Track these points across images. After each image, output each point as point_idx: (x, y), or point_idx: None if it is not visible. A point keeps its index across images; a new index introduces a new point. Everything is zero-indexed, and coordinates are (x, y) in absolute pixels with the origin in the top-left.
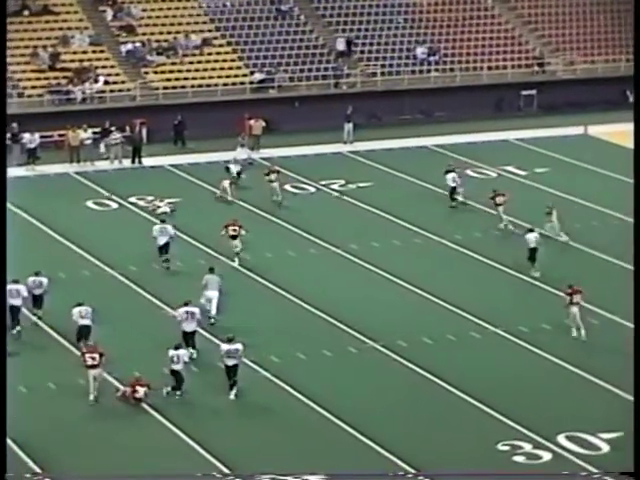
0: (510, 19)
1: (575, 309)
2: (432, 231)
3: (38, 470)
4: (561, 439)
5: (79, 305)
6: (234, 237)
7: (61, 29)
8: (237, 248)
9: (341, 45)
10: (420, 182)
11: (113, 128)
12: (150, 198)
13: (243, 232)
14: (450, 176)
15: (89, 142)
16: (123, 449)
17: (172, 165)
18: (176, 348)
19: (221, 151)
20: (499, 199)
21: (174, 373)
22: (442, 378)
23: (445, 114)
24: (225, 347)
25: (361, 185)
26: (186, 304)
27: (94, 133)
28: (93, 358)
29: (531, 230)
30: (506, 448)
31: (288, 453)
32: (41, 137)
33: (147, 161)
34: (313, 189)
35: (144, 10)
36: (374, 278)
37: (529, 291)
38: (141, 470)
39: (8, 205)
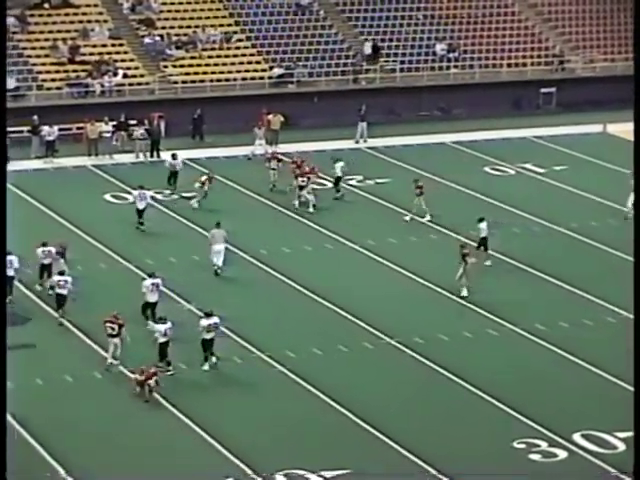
0: (530, 16)
1: (467, 267)
2: (449, 227)
3: (53, 463)
4: (577, 437)
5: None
6: None
7: (81, 22)
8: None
9: (368, 49)
10: (438, 179)
11: (134, 122)
12: (168, 192)
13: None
14: (339, 165)
15: (108, 135)
16: (140, 443)
17: (190, 159)
18: (163, 321)
19: (239, 145)
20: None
21: (164, 345)
22: (458, 375)
23: (464, 111)
24: (204, 322)
25: (379, 181)
26: (150, 276)
27: (113, 126)
28: (112, 328)
29: (482, 220)
30: (522, 446)
31: (303, 449)
32: (60, 130)
33: (165, 155)
34: (331, 185)
35: (164, 4)
36: (390, 274)
37: (546, 288)
38: (157, 465)
39: (26, 197)
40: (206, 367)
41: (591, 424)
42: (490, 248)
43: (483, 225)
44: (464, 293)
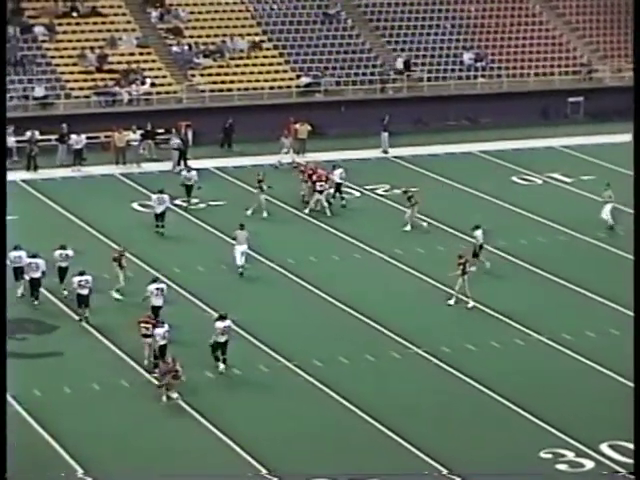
0: (558, 25)
1: (465, 277)
2: (475, 237)
3: (80, 471)
4: (604, 447)
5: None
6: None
7: (109, 31)
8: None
9: (400, 64)
10: (465, 188)
11: (161, 130)
12: (195, 200)
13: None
14: (337, 172)
15: (135, 144)
16: (165, 449)
17: (217, 168)
18: (163, 324)
19: (266, 154)
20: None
21: (163, 348)
22: (485, 385)
23: (491, 120)
24: (219, 324)
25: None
26: (154, 281)
27: (141, 135)
28: (147, 328)
29: (477, 227)
30: (549, 456)
31: (330, 457)
32: (87, 138)
33: (192, 164)
34: (358, 194)
35: (192, 13)
36: (418, 284)
37: (572, 298)
38: (182, 470)
39: (53, 205)
40: (222, 367)
41: (618, 434)
42: (482, 256)
43: (478, 232)
44: (470, 303)
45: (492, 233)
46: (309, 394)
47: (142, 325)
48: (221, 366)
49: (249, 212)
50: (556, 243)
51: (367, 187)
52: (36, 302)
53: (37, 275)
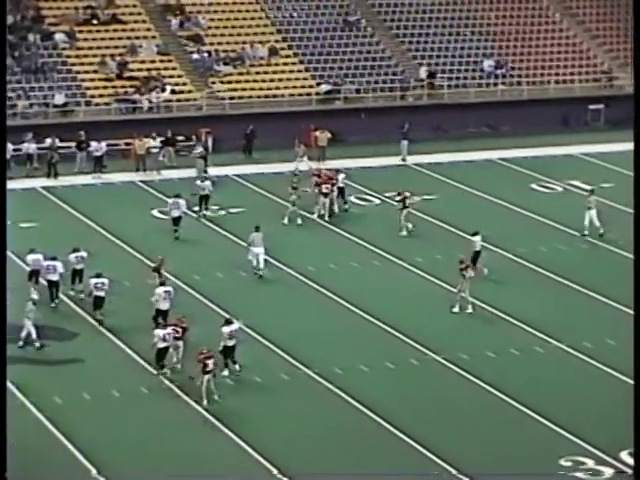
0: (578, 33)
1: (467, 283)
2: (496, 244)
3: (101, 479)
4: (624, 455)
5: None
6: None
7: (129, 38)
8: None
9: (423, 74)
10: (485, 195)
11: (181, 137)
12: (216, 207)
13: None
14: (340, 177)
15: (156, 151)
16: (185, 457)
17: (237, 175)
18: (164, 326)
19: (286, 162)
20: (408, 201)
21: (162, 350)
22: (504, 392)
23: (511, 128)
24: (226, 329)
25: (426, 197)
26: (162, 284)
27: (161, 142)
28: (177, 331)
29: (476, 233)
30: (568, 464)
31: (350, 466)
32: (108, 145)
33: (212, 171)
34: (378, 201)
35: (211, 20)
36: (437, 291)
37: (593, 306)
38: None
39: (73, 212)
40: (226, 373)
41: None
42: (480, 262)
43: (477, 238)
44: (468, 309)
45: (512, 240)
46: (329, 401)
47: (171, 328)
48: (225, 371)
49: (285, 220)
50: (576, 251)
51: (387, 194)
52: (53, 304)
53: (55, 278)
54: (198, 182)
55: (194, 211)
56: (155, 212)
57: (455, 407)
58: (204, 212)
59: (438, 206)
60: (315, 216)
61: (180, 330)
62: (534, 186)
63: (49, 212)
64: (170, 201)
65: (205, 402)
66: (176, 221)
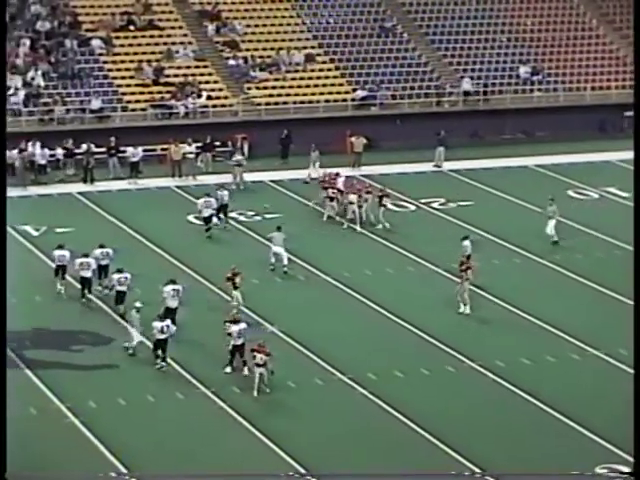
0: (614, 39)
1: (466, 285)
2: (532, 251)
3: None
4: None
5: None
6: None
7: (165, 44)
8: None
9: (467, 85)
10: (520, 202)
11: (217, 143)
12: (251, 213)
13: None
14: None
15: (192, 156)
16: (218, 459)
17: (273, 180)
18: (161, 319)
19: (322, 167)
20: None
21: (160, 342)
22: (540, 399)
23: (547, 134)
24: (235, 328)
25: (461, 204)
26: (171, 282)
27: (197, 148)
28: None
29: (466, 237)
30: (604, 471)
31: (382, 469)
32: (144, 151)
33: (248, 176)
34: (413, 207)
35: (248, 26)
36: (472, 297)
37: (630, 313)
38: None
39: (110, 218)
40: (228, 370)
41: None
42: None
43: (467, 243)
44: (466, 311)
45: (548, 247)
46: (363, 406)
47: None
48: (228, 369)
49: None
50: (612, 257)
51: (422, 201)
52: (84, 300)
53: (88, 274)
54: (218, 191)
55: (218, 219)
56: (191, 217)
57: (490, 414)
58: (225, 223)
59: (474, 212)
60: (324, 219)
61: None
62: (570, 193)
63: (85, 217)
64: (201, 200)
65: (255, 393)
66: (207, 220)
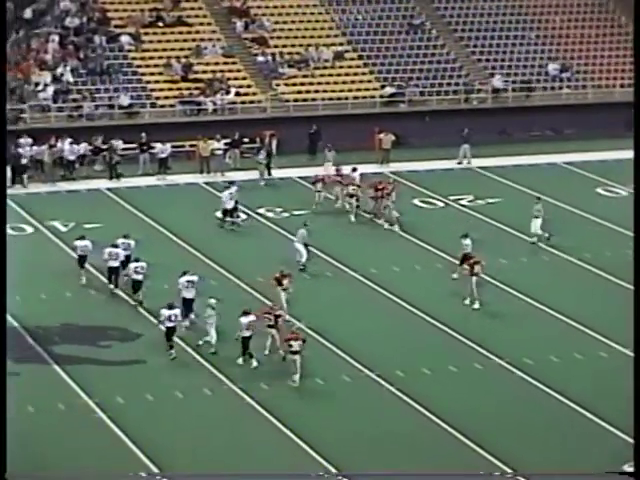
0: None
1: (474, 279)
2: (560, 248)
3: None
4: None
5: (136, 261)
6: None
7: (194, 40)
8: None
9: (498, 82)
10: (549, 199)
11: (246, 140)
12: (279, 210)
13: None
14: (356, 174)
15: (220, 153)
16: (245, 455)
17: (301, 177)
18: (170, 307)
19: (350, 164)
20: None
21: (170, 331)
22: (568, 396)
23: (576, 131)
24: (244, 320)
25: (490, 201)
26: (185, 273)
27: (225, 144)
28: (269, 319)
29: (466, 235)
30: (631, 469)
31: (409, 467)
32: (172, 147)
33: (276, 173)
34: (442, 204)
35: (276, 22)
36: (500, 294)
37: None
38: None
39: (138, 213)
40: (240, 361)
41: None
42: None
43: (467, 241)
44: (475, 305)
45: (576, 245)
46: (390, 404)
47: (265, 316)
48: (240, 360)
49: (386, 226)
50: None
51: (451, 197)
52: (112, 286)
53: (116, 264)
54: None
55: (225, 218)
56: (218, 214)
57: (518, 411)
58: (237, 220)
59: (502, 210)
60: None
61: (273, 318)
62: (599, 190)
63: (113, 213)
64: (225, 193)
65: (297, 377)
66: (230, 212)
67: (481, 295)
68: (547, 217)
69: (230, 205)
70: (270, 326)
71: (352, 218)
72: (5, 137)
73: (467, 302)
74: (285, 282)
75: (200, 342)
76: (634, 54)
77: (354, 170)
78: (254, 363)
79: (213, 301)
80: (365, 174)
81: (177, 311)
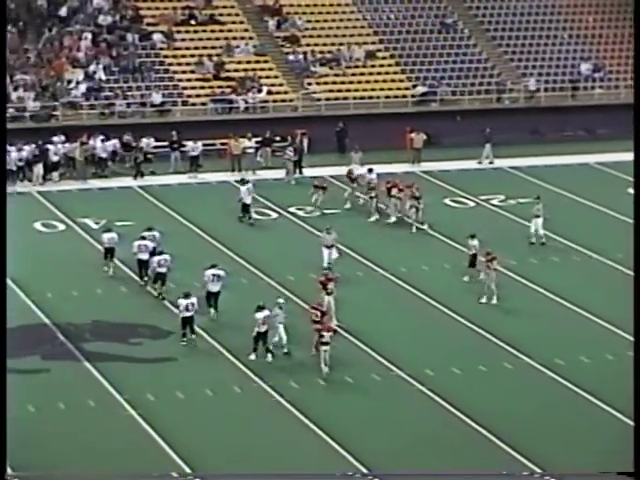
0: None
1: (493, 274)
2: (591, 249)
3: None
4: None
5: (160, 254)
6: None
7: (226, 39)
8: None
9: (532, 85)
10: (581, 199)
11: (277, 138)
12: (309, 208)
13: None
14: (373, 175)
15: (251, 151)
16: (274, 453)
17: (332, 176)
18: (186, 296)
19: (382, 163)
20: (394, 190)
21: (187, 320)
22: (598, 397)
23: (608, 131)
24: (260, 315)
25: (521, 201)
26: (212, 267)
27: (257, 142)
28: (316, 315)
29: (473, 236)
30: None
31: (438, 466)
32: (204, 145)
33: (308, 171)
34: (473, 203)
35: (308, 21)
36: (531, 294)
37: None
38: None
39: (169, 211)
40: (252, 357)
41: None
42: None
43: (475, 242)
44: (493, 301)
45: (608, 245)
46: (420, 403)
47: (312, 311)
48: (252, 355)
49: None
50: None
51: (482, 197)
52: (143, 281)
53: (145, 257)
54: (242, 188)
55: (240, 217)
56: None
57: (548, 412)
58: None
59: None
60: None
61: (319, 314)
62: (631, 190)
63: (144, 211)
64: (243, 188)
65: (326, 369)
66: (248, 207)
67: (511, 295)
68: (580, 218)
69: (249, 200)
70: (315, 322)
71: (373, 218)
72: (5, 137)
73: (483, 301)
74: (330, 286)
75: (270, 346)
76: (634, 54)
77: (370, 171)
78: (269, 358)
79: (282, 300)
80: (381, 174)
81: (194, 299)
